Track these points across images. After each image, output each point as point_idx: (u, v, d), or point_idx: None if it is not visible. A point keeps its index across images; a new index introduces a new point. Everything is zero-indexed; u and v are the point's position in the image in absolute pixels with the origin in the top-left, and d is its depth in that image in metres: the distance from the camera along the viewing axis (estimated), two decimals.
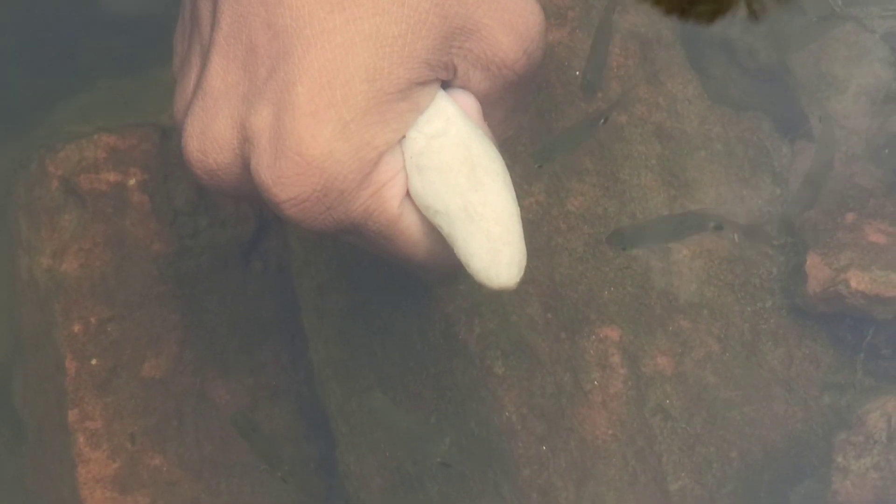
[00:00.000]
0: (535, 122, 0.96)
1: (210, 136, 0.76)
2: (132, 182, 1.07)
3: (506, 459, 0.92)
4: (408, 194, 0.76)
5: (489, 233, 0.75)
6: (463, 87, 0.78)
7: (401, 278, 0.95)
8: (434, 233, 0.76)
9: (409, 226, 0.77)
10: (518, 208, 0.75)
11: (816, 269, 0.93)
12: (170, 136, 1.08)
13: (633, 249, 0.95)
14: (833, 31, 0.99)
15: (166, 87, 1.09)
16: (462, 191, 0.75)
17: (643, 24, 1.00)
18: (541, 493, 0.92)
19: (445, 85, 0.77)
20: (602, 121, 0.96)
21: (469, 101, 0.78)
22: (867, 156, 0.97)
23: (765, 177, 0.98)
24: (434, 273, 0.81)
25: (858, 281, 0.92)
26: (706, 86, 1.01)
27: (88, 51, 1.19)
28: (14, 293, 1.10)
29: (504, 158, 0.76)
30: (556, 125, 0.97)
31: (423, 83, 0.75)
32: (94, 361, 1.04)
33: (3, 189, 1.12)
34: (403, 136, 0.76)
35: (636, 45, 0.99)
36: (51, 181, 1.07)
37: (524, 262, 0.75)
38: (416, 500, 0.97)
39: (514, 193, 0.76)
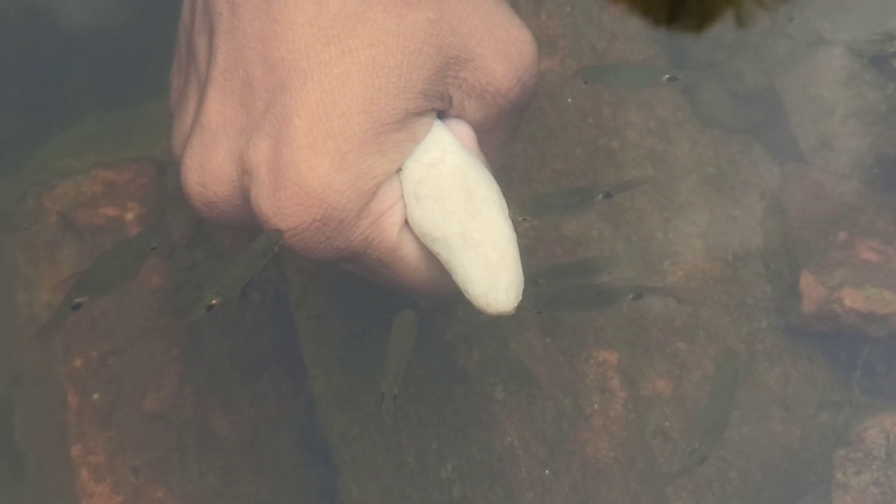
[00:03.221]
0: (529, 149, 0.97)
1: (209, 169, 0.77)
2: (130, 216, 1.08)
3: (509, 484, 0.93)
4: (406, 222, 0.77)
5: (487, 259, 0.76)
6: (458, 117, 0.79)
7: (399, 305, 0.95)
8: (432, 260, 0.78)
9: (409, 253, 0.78)
10: (514, 234, 0.77)
11: (810, 288, 0.94)
12: (166, 170, 1.09)
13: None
14: (821, 55, 1.00)
15: (156, 120, 1.10)
16: (460, 218, 0.76)
17: (633, 51, 1.01)
18: None
19: (441, 114, 0.78)
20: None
21: (465, 130, 0.79)
22: (857, 175, 0.98)
23: (756, 198, 0.99)
24: (433, 299, 0.82)
25: (853, 299, 0.93)
26: (696, 110, 1.02)
27: (75, 86, 1.20)
28: (13, 328, 1.10)
29: (499, 185, 0.78)
30: (550, 152, 0.98)
31: (420, 113, 0.77)
32: (95, 396, 1.04)
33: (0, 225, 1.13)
34: (401, 166, 0.77)
35: None
36: (49, 216, 1.07)
37: (521, 287, 0.76)
38: None
39: (510, 220, 0.77)
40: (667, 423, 0.94)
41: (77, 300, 0.80)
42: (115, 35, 1.17)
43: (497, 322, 0.93)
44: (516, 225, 0.77)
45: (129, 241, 0.91)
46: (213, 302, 0.75)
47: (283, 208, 0.74)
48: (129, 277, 0.86)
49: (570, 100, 0.99)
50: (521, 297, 0.76)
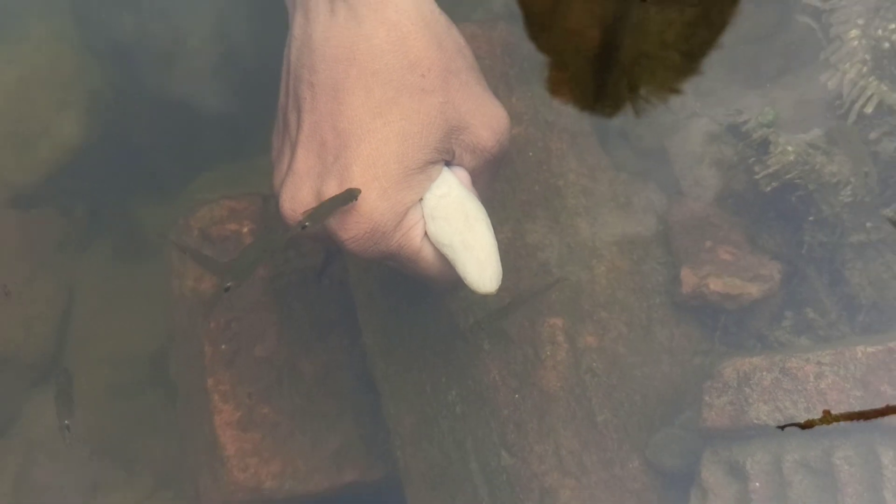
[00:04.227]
0: (504, 186, 0.97)
1: (298, 199, 0.78)
2: (245, 230, 1.08)
3: (492, 404, 0.93)
4: (426, 234, 0.77)
5: (478, 258, 0.76)
6: (458, 165, 0.80)
7: (421, 289, 0.96)
8: (443, 258, 0.78)
9: (427, 254, 0.78)
10: (496, 241, 0.77)
11: (688, 278, 0.94)
12: (268, 200, 1.09)
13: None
14: (694, 124, 0.99)
15: (261, 168, 1.10)
16: (460, 231, 0.76)
17: (572, 123, 1.00)
18: (515, 424, 0.92)
19: (447, 163, 0.79)
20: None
21: (463, 174, 0.80)
22: (717, 204, 0.97)
23: (652, 219, 0.99)
24: (443, 284, 0.83)
25: (715, 285, 0.92)
26: (613, 160, 1.01)
27: (209, 146, 1.20)
28: (169, 304, 1.10)
29: (485, 209, 0.78)
30: (518, 188, 0.98)
31: (434, 162, 0.77)
32: (223, 346, 1.04)
33: (161, 237, 1.13)
34: (422, 197, 0.77)
35: (568, 135, 1.00)
36: (192, 231, 1.07)
37: (500, 276, 0.77)
38: (433, 431, 0.97)
39: (493, 232, 0.78)
40: (594, 365, 0.93)
41: (227, 285, 0.79)
42: (234, 114, 1.18)
43: (485, 298, 0.90)
44: (499, 234, 0.78)
45: (261, 239, 0.90)
46: (307, 224, 0.74)
47: (345, 225, 0.75)
48: (259, 265, 0.83)
49: (531, 153, 0.98)
50: (500, 283, 0.76)
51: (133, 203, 1.19)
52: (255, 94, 1.14)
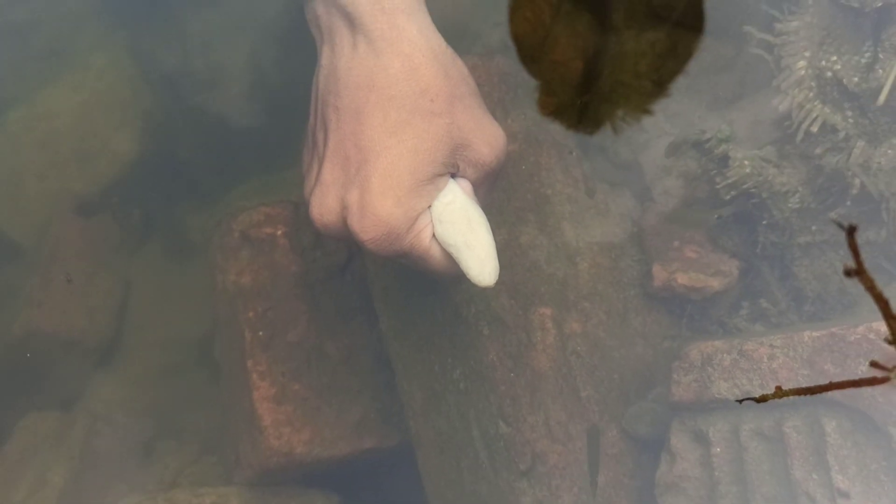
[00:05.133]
0: (501, 195, 0.97)
1: (325, 206, 0.78)
2: (279, 233, 1.07)
3: (491, 381, 0.93)
4: (434, 235, 0.77)
5: (479, 256, 0.76)
6: (462, 176, 0.79)
7: (429, 282, 0.96)
8: (448, 257, 0.78)
9: (435, 253, 0.78)
10: (494, 242, 0.77)
11: (658, 273, 0.94)
12: (299, 207, 1.09)
13: None
14: (663, 141, 0.99)
15: (292, 180, 1.10)
16: (463, 233, 0.76)
17: (559, 140, 1.00)
18: (511, 398, 0.92)
19: (452, 175, 0.79)
20: None
21: (466, 184, 0.79)
22: (684, 209, 0.98)
23: (627, 222, 0.99)
24: (448, 279, 0.83)
25: (682, 279, 0.93)
26: (594, 172, 1.01)
27: (246, 160, 1.19)
28: (213, 295, 1.10)
29: (485, 214, 0.78)
30: (513, 196, 0.97)
31: (441, 174, 0.77)
32: (260, 333, 1.04)
33: (206, 238, 1.12)
34: (430, 204, 0.77)
35: (555, 151, 0.99)
36: (234, 233, 1.07)
37: (498, 272, 0.77)
38: (441, 404, 0.97)
39: (491, 234, 0.78)
40: (578, 348, 0.93)
41: None
42: (265, 132, 1.17)
43: (484, 291, 0.93)
44: (496, 235, 0.78)
45: None
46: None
47: (365, 228, 0.75)
48: None
49: (524, 167, 0.98)
50: (497, 277, 0.76)
51: (180, 209, 1.19)
52: (283, 115, 1.14)
